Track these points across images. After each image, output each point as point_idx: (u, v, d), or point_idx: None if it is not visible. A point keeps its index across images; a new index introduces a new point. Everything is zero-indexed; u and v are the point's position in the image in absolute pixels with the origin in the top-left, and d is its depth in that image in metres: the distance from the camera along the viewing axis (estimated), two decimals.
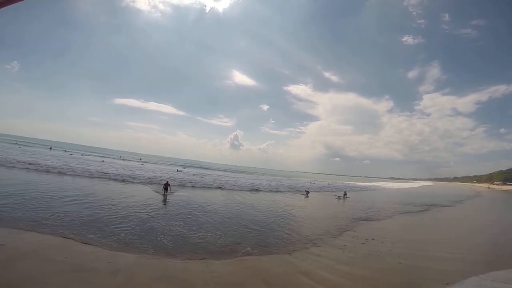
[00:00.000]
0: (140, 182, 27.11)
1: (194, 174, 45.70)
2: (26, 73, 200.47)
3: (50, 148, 72.03)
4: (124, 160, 64.78)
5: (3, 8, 1.75)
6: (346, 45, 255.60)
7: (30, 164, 27.77)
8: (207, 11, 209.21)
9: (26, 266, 6.67)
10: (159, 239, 10.32)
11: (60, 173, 26.00)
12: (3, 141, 69.10)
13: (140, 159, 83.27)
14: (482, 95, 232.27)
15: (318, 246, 11.21)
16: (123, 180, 26.71)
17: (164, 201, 18.29)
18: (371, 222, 17.84)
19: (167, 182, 21.11)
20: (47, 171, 25.90)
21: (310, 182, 59.75)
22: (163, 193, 19.69)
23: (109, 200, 16.14)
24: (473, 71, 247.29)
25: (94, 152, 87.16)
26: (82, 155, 62.75)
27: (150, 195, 20.32)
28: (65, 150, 71.46)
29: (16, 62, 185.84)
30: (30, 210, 11.82)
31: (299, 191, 37.33)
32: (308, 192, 34.61)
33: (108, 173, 29.47)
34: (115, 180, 26.54)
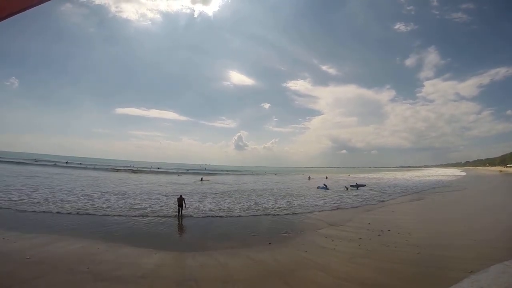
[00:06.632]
0: None
1: (201, 179, 45.14)
2: (26, 88, 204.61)
3: (67, 162, 74.48)
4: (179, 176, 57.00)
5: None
6: (339, 37, 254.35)
7: None
8: (195, 16, 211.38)
9: (51, 281, 6.86)
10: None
11: None
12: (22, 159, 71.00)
13: (151, 168, 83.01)
14: (483, 79, 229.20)
15: (333, 240, 11.17)
16: None
17: (180, 225, 14.53)
18: (386, 212, 17.78)
19: (181, 196, 16.91)
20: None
21: (309, 178, 57.45)
22: (177, 211, 16.23)
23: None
24: (471, 54, 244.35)
25: (107, 164, 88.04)
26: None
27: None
28: (80, 163, 73.68)
29: (14, 77, 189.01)
30: None
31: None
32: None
33: None
34: None
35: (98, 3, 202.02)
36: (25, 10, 2.12)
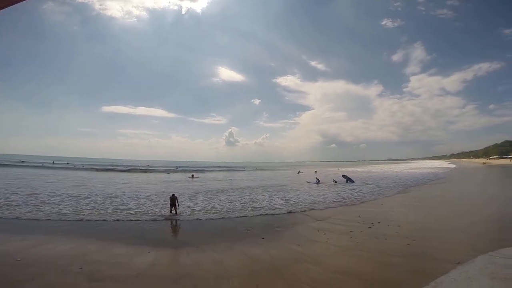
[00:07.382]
0: None
1: (192, 176, 44.95)
2: (9, 89, 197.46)
3: (53, 163, 72.64)
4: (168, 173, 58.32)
5: None
6: (327, 33, 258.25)
7: None
8: (183, 12, 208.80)
9: (45, 282, 6.76)
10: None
11: None
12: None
13: (140, 166, 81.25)
14: (467, 74, 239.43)
15: (325, 233, 11.35)
16: None
17: (172, 223, 14.19)
18: (375, 205, 18.25)
19: (173, 195, 16.21)
20: None
21: (299, 173, 60.12)
22: (170, 211, 15.75)
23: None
24: (455, 50, 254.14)
25: (95, 164, 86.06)
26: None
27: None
28: (67, 163, 71.94)
29: None
30: None
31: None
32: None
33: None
34: None
35: (81, 0, 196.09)
36: (4, 8, 2.05)
